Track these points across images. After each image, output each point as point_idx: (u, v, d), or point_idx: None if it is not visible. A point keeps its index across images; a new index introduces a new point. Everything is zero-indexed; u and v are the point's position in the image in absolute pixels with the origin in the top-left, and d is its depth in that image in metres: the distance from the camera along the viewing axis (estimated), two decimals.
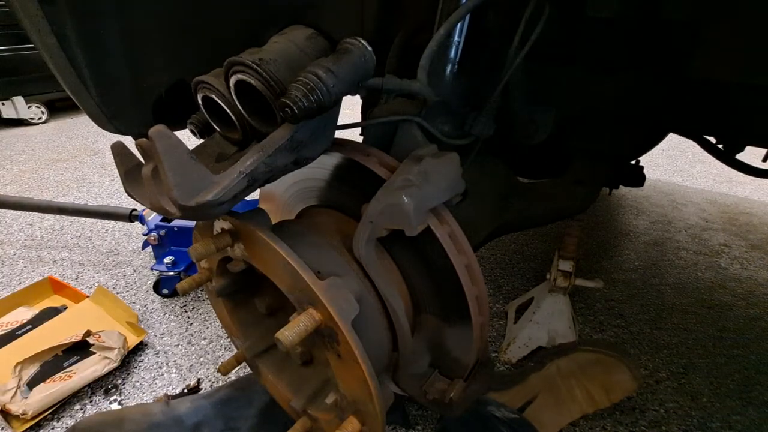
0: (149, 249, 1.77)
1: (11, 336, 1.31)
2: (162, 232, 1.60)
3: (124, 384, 1.21)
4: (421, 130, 0.76)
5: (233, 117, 0.62)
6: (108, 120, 0.74)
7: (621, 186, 1.75)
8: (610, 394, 1.09)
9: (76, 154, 3.23)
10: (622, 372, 1.09)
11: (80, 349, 1.23)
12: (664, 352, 1.38)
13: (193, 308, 1.53)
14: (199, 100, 0.64)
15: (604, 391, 1.08)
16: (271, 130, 0.57)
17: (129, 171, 0.65)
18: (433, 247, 0.70)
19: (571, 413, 1.08)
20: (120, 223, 2.11)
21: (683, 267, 1.90)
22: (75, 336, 1.24)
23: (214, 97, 0.61)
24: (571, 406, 1.08)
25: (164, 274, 1.53)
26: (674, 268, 1.89)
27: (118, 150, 0.65)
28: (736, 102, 1.00)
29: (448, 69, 0.79)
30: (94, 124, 0.78)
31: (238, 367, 1.02)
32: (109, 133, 0.79)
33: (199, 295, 1.60)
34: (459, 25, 0.74)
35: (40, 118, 4.18)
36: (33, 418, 1.06)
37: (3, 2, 2.59)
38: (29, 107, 4.08)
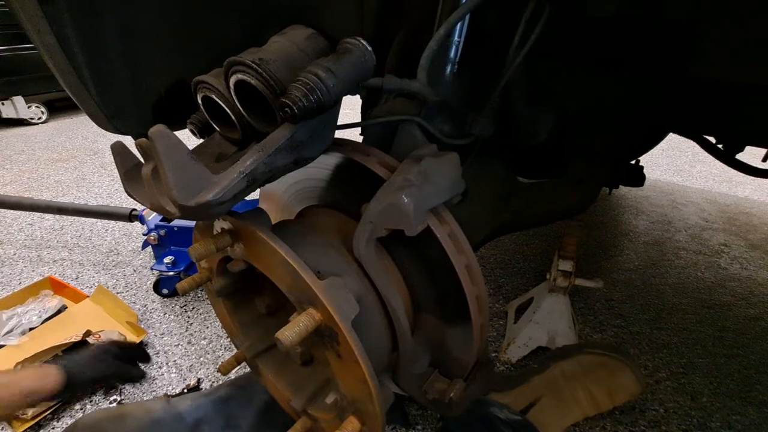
0: (149, 249, 1.77)
1: None
2: (162, 232, 1.60)
3: (123, 384, 1.21)
4: (421, 130, 0.76)
5: (233, 117, 0.62)
6: (108, 120, 0.74)
7: (621, 186, 1.75)
8: (613, 397, 1.08)
9: (76, 154, 3.23)
10: (626, 375, 1.09)
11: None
12: (664, 352, 1.38)
13: (193, 308, 1.53)
14: (199, 100, 0.64)
15: (607, 394, 1.08)
16: (271, 130, 0.57)
17: (129, 171, 0.65)
18: (433, 247, 0.70)
19: (573, 416, 1.08)
20: (120, 223, 2.11)
21: (683, 267, 1.90)
22: (75, 336, 1.24)
23: (214, 97, 0.61)
24: (574, 408, 1.08)
25: (164, 274, 1.53)
26: (674, 268, 1.89)
27: (118, 150, 0.65)
28: (736, 102, 1.00)
29: (448, 69, 0.79)
30: (94, 124, 0.78)
31: (238, 367, 1.02)
32: (109, 133, 0.79)
33: (199, 295, 1.60)
34: (459, 25, 0.74)
35: (39, 118, 4.18)
36: (33, 418, 1.06)
37: (3, 2, 2.60)
38: (29, 107, 4.08)
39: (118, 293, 1.59)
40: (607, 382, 1.09)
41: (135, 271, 1.75)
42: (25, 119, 4.07)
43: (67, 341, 1.22)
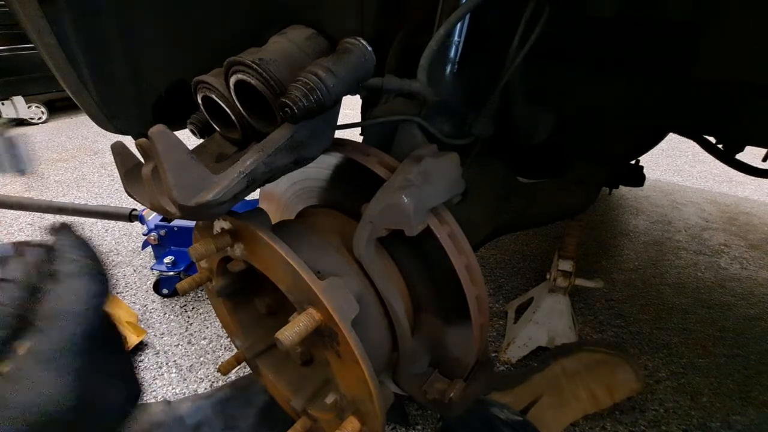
0: (149, 249, 1.77)
1: None
2: (162, 232, 1.60)
3: None
4: (421, 130, 0.76)
5: (233, 117, 0.62)
6: (108, 120, 0.74)
7: (621, 186, 1.75)
8: (613, 394, 1.09)
9: (76, 154, 3.23)
10: (626, 372, 1.09)
11: None
12: (664, 352, 1.38)
13: (193, 308, 1.53)
14: (199, 100, 0.64)
15: (607, 391, 1.09)
16: (271, 130, 0.57)
17: (129, 171, 0.65)
18: (433, 247, 0.70)
19: (574, 413, 1.08)
20: (120, 223, 2.11)
21: (683, 267, 1.90)
22: None
23: (214, 97, 0.61)
24: (575, 406, 1.08)
25: (164, 274, 1.53)
26: (674, 268, 1.89)
27: (118, 150, 0.65)
28: (736, 102, 1.00)
29: (448, 69, 0.79)
30: (94, 124, 0.78)
31: (238, 367, 1.02)
32: (109, 133, 0.79)
33: (199, 295, 1.60)
34: (459, 25, 0.74)
35: (40, 118, 4.19)
36: None
37: (2, 2, 2.60)
38: (29, 107, 4.08)
39: (118, 293, 1.59)
40: (608, 379, 1.10)
41: (135, 271, 1.75)
42: (25, 119, 4.07)
43: None
